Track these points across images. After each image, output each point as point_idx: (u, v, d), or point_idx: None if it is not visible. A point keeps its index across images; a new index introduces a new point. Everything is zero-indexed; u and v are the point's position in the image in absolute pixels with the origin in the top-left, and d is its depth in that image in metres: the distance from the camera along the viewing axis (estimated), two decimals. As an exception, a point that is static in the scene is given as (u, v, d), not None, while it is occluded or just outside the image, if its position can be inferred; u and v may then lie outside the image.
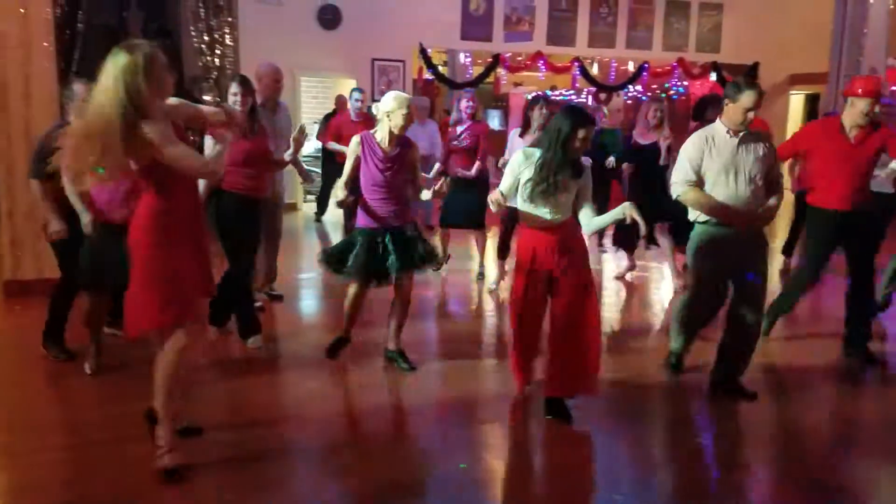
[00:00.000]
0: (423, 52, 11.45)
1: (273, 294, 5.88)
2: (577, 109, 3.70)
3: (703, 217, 4.02)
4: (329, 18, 10.85)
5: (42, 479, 3.13)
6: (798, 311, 5.37)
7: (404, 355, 4.46)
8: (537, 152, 3.61)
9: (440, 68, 12.24)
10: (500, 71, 12.76)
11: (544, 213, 3.62)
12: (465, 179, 6.47)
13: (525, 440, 3.78)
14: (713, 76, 13.15)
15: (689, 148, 3.99)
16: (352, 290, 4.35)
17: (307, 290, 6.53)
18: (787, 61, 12.92)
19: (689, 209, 4.07)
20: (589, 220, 3.72)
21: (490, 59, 12.03)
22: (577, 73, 12.58)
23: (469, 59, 12.63)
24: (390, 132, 4.13)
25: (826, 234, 4.69)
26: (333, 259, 4.29)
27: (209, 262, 3.23)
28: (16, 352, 4.55)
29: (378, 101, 4.27)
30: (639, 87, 13.99)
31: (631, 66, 13.00)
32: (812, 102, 14.13)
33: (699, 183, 3.95)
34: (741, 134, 3.90)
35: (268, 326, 5.10)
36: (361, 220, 4.26)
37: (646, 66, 12.67)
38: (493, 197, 3.52)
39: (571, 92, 15.35)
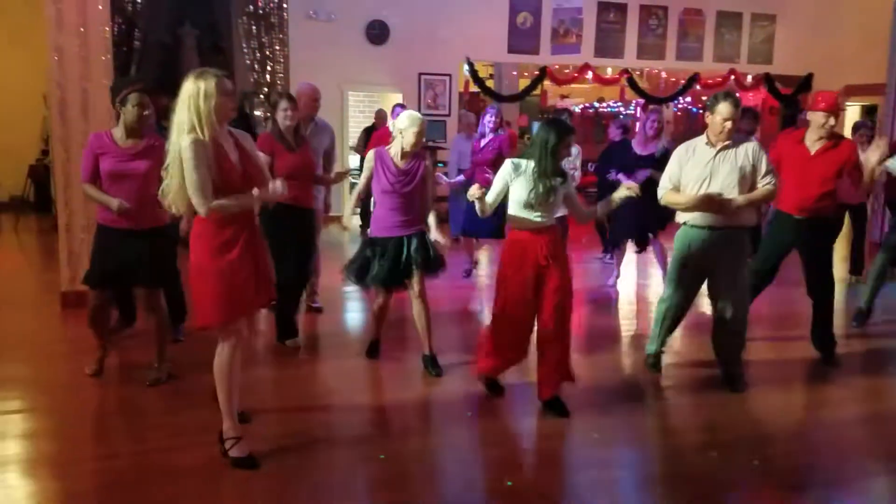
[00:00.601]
0: (469, 65, 11.49)
1: (314, 306, 5.99)
2: (560, 121, 4.04)
3: (683, 218, 4.35)
4: (377, 34, 10.97)
5: (94, 487, 3.21)
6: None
7: (434, 361, 4.66)
8: (524, 163, 3.89)
9: (486, 81, 12.27)
10: (547, 83, 12.73)
11: (536, 216, 3.89)
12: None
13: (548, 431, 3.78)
14: (765, 87, 12.90)
15: (673, 157, 4.36)
16: (379, 298, 4.72)
17: (352, 303, 6.60)
18: (843, 72, 12.58)
19: (676, 213, 4.42)
20: (585, 213, 4.17)
21: (537, 72, 12.02)
22: (626, 84, 12.47)
23: (515, 73, 12.62)
24: (402, 149, 4.42)
25: (781, 236, 4.93)
26: (354, 272, 4.60)
27: (266, 269, 3.43)
28: (72, 362, 4.67)
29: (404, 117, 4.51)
30: (688, 99, 13.80)
31: (681, 78, 12.84)
32: (869, 113, 13.74)
33: (677, 190, 4.30)
34: (720, 144, 4.19)
35: (310, 328, 5.52)
36: (375, 229, 4.54)
37: (696, 77, 12.49)
38: (473, 192, 3.80)
39: (619, 104, 15.24)
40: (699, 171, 4.20)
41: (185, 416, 3.88)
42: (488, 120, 6.95)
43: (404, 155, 4.44)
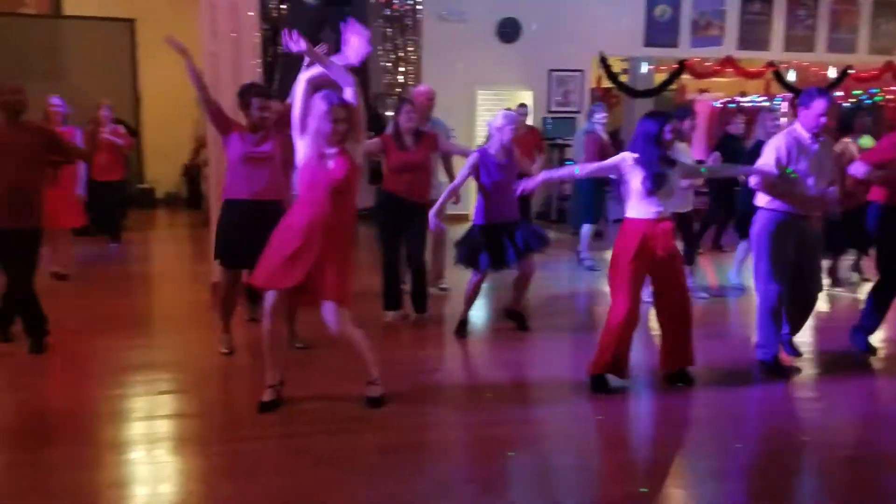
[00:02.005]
0: (602, 60, 11.25)
1: (441, 288, 6.37)
2: (658, 111, 4.41)
3: (774, 205, 4.39)
4: (508, 32, 10.95)
5: (237, 468, 3.36)
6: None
7: (522, 317, 5.38)
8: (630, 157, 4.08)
9: (620, 77, 11.97)
10: (685, 77, 12.25)
11: (656, 204, 4.03)
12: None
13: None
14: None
15: (779, 144, 4.36)
16: (473, 278, 5.15)
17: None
18: None
19: (758, 195, 4.47)
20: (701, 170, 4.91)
21: (676, 65, 11.60)
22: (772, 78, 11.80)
23: (652, 67, 12.25)
24: (502, 145, 4.99)
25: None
26: (465, 258, 5.11)
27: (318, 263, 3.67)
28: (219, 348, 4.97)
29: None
30: (840, 93, 12.86)
31: (832, 72, 11.99)
32: None
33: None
34: (820, 139, 4.37)
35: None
36: (479, 217, 5.04)
37: (849, 70, 11.61)
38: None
39: (763, 98, 14.44)
40: (808, 164, 4.32)
41: (329, 403, 4.03)
42: (600, 117, 7.45)
43: (503, 151, 5.02)
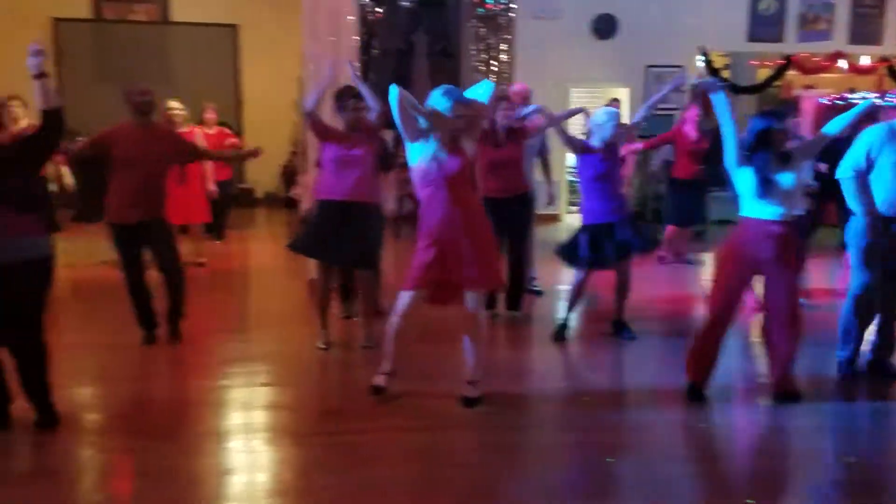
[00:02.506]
0: (703, 55, 10.88)
1: (533, 289, 6.21)
2: (770, 110, 4.21)
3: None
4: (603, 28, 10.75)
5: (331, 459, 3.42)
6: None
7: (626, 327, 5.13)
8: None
9: (722, 72, 11.54)
10: (790, 73, 11.70)
11: (771, 206, 3.81)
12: (684, 180, 7.34)
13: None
14: None
15: (870, 135, 4.09)
16: (577, 277, 5.04)
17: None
18: None
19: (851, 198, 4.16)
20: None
21: (782, 60, 11.10)
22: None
23: (756, 62, 11.78)
24: (603, 142, 4.85)
25: None
26: (565, 254, 5.07)
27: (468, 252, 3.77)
28: (315, 343, 5.08)
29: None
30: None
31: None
32: None
33: (868, 169, 4.06)
34: None
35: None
36: (585, 217, 4.99)
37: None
38: None
39: (874, 95, 13.64)
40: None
41: (426, 399, 4.04)
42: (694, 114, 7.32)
43: (604, 146, 4.87)
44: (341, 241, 4.55)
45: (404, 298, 3.89)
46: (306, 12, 6.14)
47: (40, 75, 3.33)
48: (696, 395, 4.03)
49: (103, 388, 4.33)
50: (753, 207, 3.87)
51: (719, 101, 3.88)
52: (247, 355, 4.86)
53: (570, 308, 5.14)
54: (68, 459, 3.43)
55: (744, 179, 3.87)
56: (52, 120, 3.38)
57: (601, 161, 4.88)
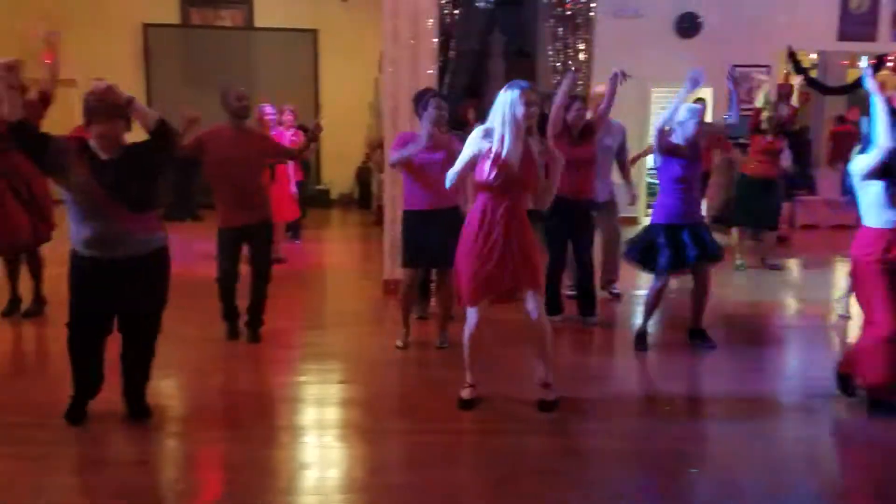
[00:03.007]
0: (791, 55, 10.46)
1: (613, 292, 6.14)
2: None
3: None
4: (687, 27, 10.48)
5: (402, 458, 3.43)
6: None
7: (703, 334, 4.95)
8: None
9: (810, 72, 11.08)
10: (883, 73, 11.13)
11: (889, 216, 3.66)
12: (763, 180, 7.15)
13: None
14: None
15: None
16: (656, 283, 4.81)
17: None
18: None
19: None
20: None
21: (874, 60, 10.56)
22: None
23: (846, 62, 11.27)
24: (685, 140, 4.69)
25: None
26: (638, 257, 4.89)
27: (517, 259, 3.67)
28: (388, 342, 5.06)
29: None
30: None
31: None
32: None
33: None
34: None
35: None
36: (660, 216, 4.76)
37: None
38: None
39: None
40: None
41: (499, 403, 3.99)
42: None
43: (687, 144, 4.70)
44: (434, 248, 4.58)
45: (471, 316, 3.82)
46: (386, 16, 6.19)
47: (129, 101, 3.37)
48: (880, 407, 3.84)
49: (188, 380, 4.45)
50: (876, 215, 3.71)
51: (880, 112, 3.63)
52: (323, 352, 4.91)
53: (648, 315, 4.96)
54: (154, 448, 3.53)
55: (874, 190, 3.68)
56: (160, 135, 3.45)
57: (683, 160, 4.71)
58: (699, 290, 4.90)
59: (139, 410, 3.72)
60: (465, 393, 3.95)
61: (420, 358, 4.85)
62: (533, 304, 3.77)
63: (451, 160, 4.40)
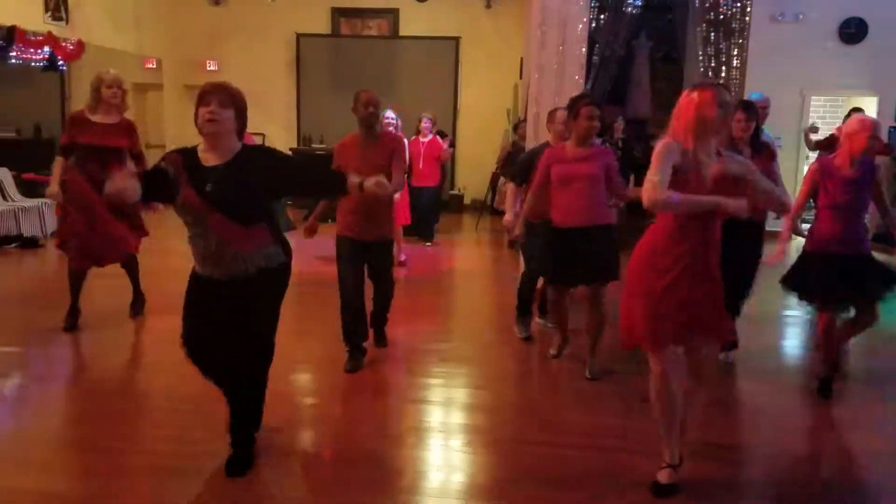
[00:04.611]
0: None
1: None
2: None
3: None
4: (852, 32, 9.74)
5: (530, 469, 3.32)
6: None
7: (829, 386, 4.23)
8: None
9: None
10: None
11: None
12: None
13: None
14: None
15: None
16: (820, 322, 4.30)
17: (793, 328, 5.97)
18: None
19: None
20: None
21: None
22: None
23: None
24: (851, 156, 4.03)
25: None
26: (791, 285, 4.31)
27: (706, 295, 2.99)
28: (522, 351, 5.03)
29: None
30: None
31: None
32: None
33: None
34: None
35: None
36: (814, 243, 4.19)
37: None
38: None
39: None
40: None
41: (643, 424, 3.67)
42: None
43: (850, 162, 4.06)
44: (577, 268, 4.37)
45: (655, 365, 3.04)
46: (534, 23, 6.17)
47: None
48: None
49: (317, 376, 4.58)
50: None
51: None
52: (450, 356, 4.90)
53: (826, 360, 4.30)
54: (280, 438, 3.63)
55: None
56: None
57: (846, 180, 4.08)
58: (859, 323, 4.32)
59: (242, 458, 3.25)
60: (663, 476, 3.12)
61: (546, 368, 4.76)
62: (710, 355, 3.22)
63: (598, 175, 4.28)
